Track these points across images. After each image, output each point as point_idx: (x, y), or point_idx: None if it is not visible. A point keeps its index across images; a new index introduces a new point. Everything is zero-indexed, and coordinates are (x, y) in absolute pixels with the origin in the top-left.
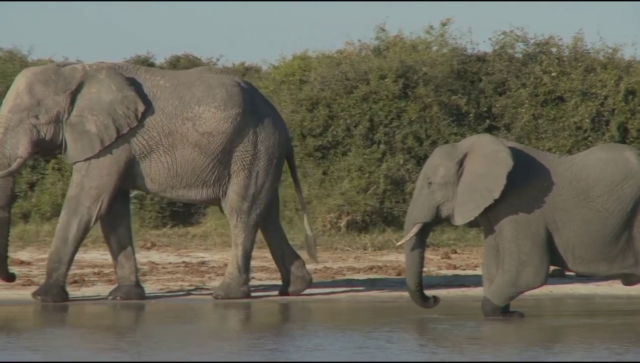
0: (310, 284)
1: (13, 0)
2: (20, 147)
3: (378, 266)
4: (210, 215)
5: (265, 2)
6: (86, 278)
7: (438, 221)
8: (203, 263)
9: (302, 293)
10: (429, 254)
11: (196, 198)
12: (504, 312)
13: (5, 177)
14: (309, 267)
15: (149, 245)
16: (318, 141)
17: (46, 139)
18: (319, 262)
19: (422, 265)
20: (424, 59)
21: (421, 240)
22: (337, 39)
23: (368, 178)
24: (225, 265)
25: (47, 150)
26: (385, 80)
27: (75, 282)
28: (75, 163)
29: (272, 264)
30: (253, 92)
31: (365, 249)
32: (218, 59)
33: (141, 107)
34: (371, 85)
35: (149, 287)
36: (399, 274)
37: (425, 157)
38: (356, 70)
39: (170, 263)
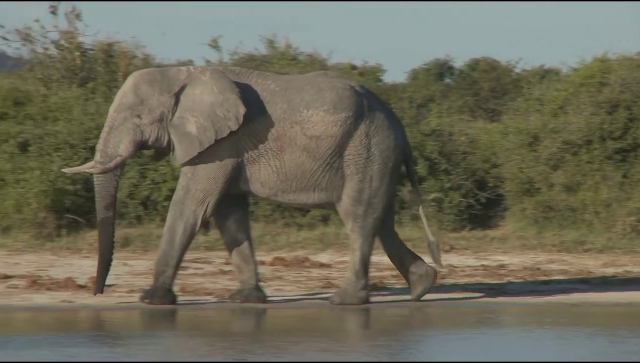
0: (434, 278)
1: (314, 0)
2: (122, 146)
3: None
4: (509, 218)
5: (566, 1)
6: (385, 281)
7: None
8: (502, 266)
9: (430, 291)
10: None
11: (307, 202)
12: None
13: (103, 174)
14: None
15: (447, 248)
16: (618, 144)
17: (150, 139)
18: (443, 266)
19: None
20: None
21: None
22: (638, 41)
23: None
24: (525, 268)
25: (158, 152)
26: None
27: (374, 284)
28: (183, 165)
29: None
30: (368, 95)
31: None
32: (517, 62)
33: (242, 110)
34: None
35: (446, 291)
36: None
37: None
38: None
39: (468, 266)
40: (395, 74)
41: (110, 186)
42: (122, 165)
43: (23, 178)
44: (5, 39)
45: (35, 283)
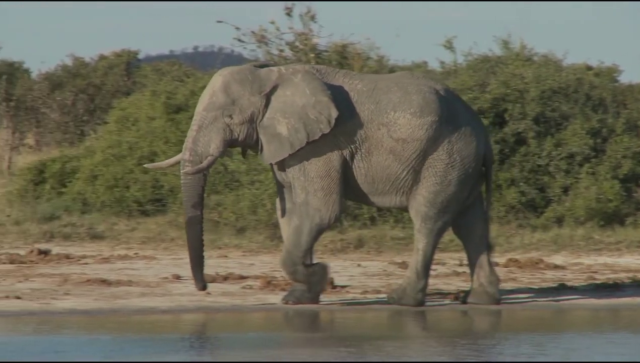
0: (495, 303)
1: (550, 0)
2: (212, 145)
3: None
4: None
5: None
6: (619, 282)
7: None
8: None
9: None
10: None
11: (389, 205)
12: None
13: (195, 174)
14: None
15: None
16: None
17: (239, 139)
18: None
19: None
20: None
21: None
22: None
23: None
24: None
25: (244, 149)
26: None
27: (609, 287)
28: (275, 166)
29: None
30: (453, 99)
31: None
32: None
33: (334, 113)
34: None
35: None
36: None
37: None
38: None
39: None
40: (632, 74)
41: (199, 185)
42: (212, 165)
43: (258, 179)
44: (241, 41)
45: (270, 284)
